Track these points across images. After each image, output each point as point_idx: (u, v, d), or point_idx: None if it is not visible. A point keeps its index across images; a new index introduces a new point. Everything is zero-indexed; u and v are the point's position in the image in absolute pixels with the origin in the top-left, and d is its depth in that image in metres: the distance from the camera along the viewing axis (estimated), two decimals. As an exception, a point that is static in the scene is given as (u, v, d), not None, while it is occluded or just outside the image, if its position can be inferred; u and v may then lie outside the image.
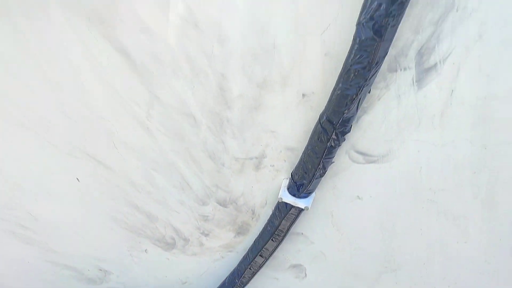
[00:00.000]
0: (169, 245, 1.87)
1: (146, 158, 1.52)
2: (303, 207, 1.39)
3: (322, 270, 1.78)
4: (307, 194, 1.37)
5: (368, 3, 0.89)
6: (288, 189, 1.39)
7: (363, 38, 0.93)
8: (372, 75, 1.00)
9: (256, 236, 1.64)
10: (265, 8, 1.03)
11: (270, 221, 1.52)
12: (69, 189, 1.78)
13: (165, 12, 1.10)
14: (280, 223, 1.47)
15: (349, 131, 1.16)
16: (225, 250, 1.82)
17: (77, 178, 1.72)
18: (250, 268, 1.74)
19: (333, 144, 1.18)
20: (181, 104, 1.31)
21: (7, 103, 1.45)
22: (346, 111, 1.08)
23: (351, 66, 0.98)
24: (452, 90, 1.06)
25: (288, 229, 1.51)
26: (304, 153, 1.26)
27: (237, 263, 1.82)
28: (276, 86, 1.19)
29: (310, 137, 1.21)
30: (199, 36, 1.13)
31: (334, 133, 1.14)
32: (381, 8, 0.88)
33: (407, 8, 0.91)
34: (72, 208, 1.89)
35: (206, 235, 1.76)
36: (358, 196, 1.41)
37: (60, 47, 1.25)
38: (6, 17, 1.22)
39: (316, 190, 1.39)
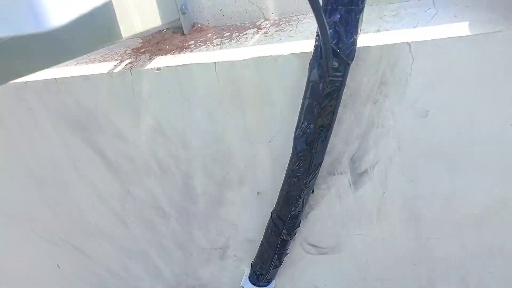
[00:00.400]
0: (143, 332, 1.92)
1: (121, 247, 1.64)
2: (263, 295, 1.48)
3: None
4: (266, 283, 1.46)
5: (301, 122, 1.06)
6: (249, 278, 1.48)
7: (299, 149, 1.09)
8: (311, 180, 1.16)
9: (225, 323, 1.71)
10: (221, 121, 1.21)
11: (235, 309, 1.60)
12: (50, 275, 1.87)
13: (137, 122, 1.28)
14: (244, 310, 1.55)
15: (298, 226, 1.29)
16: (197, 337, 1.87)
17: (57, 265, 1.82)
18: None
19: (285, 238, 1.31)
20: (152, 199, 1.46)
21: (-4, 196, 1.60)
22: (293, 209, 1.22)
23: (292, 172, 1.14)
24: (384, 192, 1.21)
25: (252, 316, 1.58)
26: (260, 245, 1.38)
27: None
28: (234, 185, 1.34)
29: (264, 231, 1.34)
30: (166, 141, 1.30)
31: (284, 228, 1.28)
32: (311, 126, 1.05)
33: (336, 124, 1.08)
34: (51, 293, 1.96)
35: (178, 321, 1.82)
36: (314, 285, 1.50)
37: (46, 148, 1.43)
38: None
39: (276, 279, 1.49)
